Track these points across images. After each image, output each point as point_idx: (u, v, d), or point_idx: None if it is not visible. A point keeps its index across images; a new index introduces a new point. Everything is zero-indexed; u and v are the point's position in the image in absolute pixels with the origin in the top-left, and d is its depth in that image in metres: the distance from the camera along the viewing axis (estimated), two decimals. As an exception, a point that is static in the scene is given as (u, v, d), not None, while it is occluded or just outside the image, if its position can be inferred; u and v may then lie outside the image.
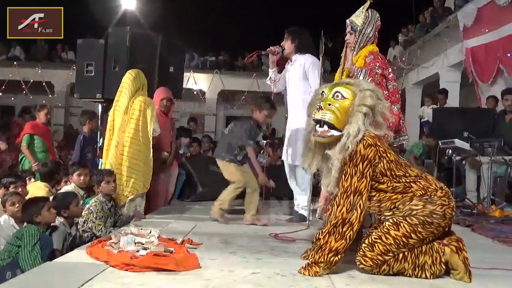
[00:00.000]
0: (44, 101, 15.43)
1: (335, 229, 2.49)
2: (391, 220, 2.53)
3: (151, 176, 4.63)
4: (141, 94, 4.72)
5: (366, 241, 2.53)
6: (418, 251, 2.50)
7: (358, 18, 3.94)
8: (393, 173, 2.57)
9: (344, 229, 2.48)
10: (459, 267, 2.48)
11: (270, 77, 4.95)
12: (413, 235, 2.46)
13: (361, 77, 3.75)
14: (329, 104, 2.59)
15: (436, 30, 11.08)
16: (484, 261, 2.92)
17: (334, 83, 2.80)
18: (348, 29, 3.98)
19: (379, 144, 2.54)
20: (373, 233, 2.54)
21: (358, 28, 3.90)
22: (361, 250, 2.53)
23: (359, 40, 3.91)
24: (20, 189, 4.27)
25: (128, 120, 4.56)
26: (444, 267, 2.51)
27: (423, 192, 2.53)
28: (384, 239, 2.49)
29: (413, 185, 2.56)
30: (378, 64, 3.79)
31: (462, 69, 10.21)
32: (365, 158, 2.50)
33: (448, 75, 10.97)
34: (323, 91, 2.71)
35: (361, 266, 2.52)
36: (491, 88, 8.61)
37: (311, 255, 2.60)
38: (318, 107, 2.61)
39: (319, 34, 4.44)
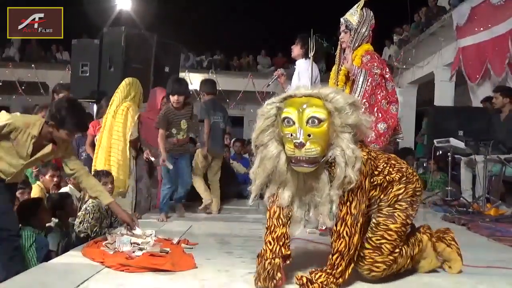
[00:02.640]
0: (39, 102, 15.44)
1: (350, 257, 2.26)
2: (382, 215, 2.39)
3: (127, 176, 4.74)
4: (131, 101, 4.81)
5: (368, 247, 2.36)
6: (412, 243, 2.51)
7: (353, 16, 3.91)
8: (381, 172, 2.40)
9: (354, 253, 2.30)
10: (429, 255, 2.60)
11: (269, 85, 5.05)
12: (408, 220, 2.42)
13: (361, 78, 3.75)
14: (309, 136, 2.12)
15: (431, 30, 11.11)
16: (479, 259, 2.92)
17: (295, 102, 2.21)
18: (343, 27, 3.95)
19: (371, 155, 2.33)
20: (371, 236, 2.38)
21: (353, 27, 3.88)
22: (366, 258, 2.35)
23: (354, 39, 3.89)
24: (26, 196, 4.26)
25: (115, 123, 4.69)
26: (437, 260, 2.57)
27: (401, 175, 2.42)
28: (388, 237, 2.37)
29: (391, 170, 2.41)
30: (375, 64, 3.79)
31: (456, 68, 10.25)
32: (366, 175, 2.26)
33: (443, 74, 10.99)
34: (287, 118, 2.16)
35: (373, 274, 2.35)
36: (479, 88, 8.65)
37: (321, 276, 2.26)
38: (297, 143, 2.11)
39: (314, 34, 4.45)
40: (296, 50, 4.92)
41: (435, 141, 6.35)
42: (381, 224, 2.39)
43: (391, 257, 2.36)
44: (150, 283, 2.34)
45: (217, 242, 3.44)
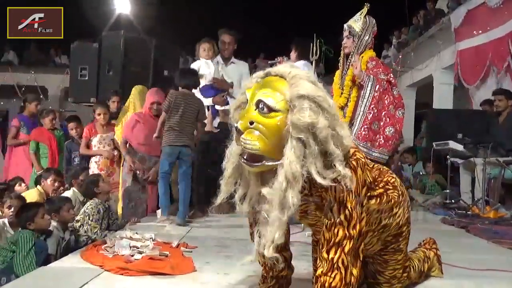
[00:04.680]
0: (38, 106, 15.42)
1: None
2: (388, 252, 2.08)
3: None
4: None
5: (383, 280, 2.12)
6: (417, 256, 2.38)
7: (356, 23, 4.01)
8: (378, 184, 1.97)
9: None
10: (434, 265, 2.50)
11: None
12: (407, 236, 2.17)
13: (369, 84, 3.85)
14: (251, 124, 1.63)
15: (430, 32, 11.13)
16: (479, 262, 2.92)
17: (260, 75, 1.77)
18: (346, 33, 4.05)
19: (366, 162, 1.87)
20: (382, 271, 2.10)
21: (357, 34, 3.99)
22: (383, 285, 2.13)
23: (357, 45, 4.00)
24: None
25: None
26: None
27: (398, 194, 1.99)
28: (398, 266, 2.11)
29: (388, 187, 1.97)
30: (381, 69, 3.94)
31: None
32: (363, 183, 1.81)
33: (442, 77, 11.01)
34: (246, 98, 1.74)
35: None
36: (478, 90, 8.66)
37: None
38: (235, 128, 1.67)
39: (312, 37, 4.50)
40: (291, 54, 4.99)
41: (434, 144, 6.36)
42: (389, 260, 2.09)
43: (405, 274, 2.15)
44: (149, 286, 2.33)
45: (217, 246, 3.43)
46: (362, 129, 3.81)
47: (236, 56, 5.65)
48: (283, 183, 1.59)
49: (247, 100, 1.71)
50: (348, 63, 4.07)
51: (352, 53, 4.03)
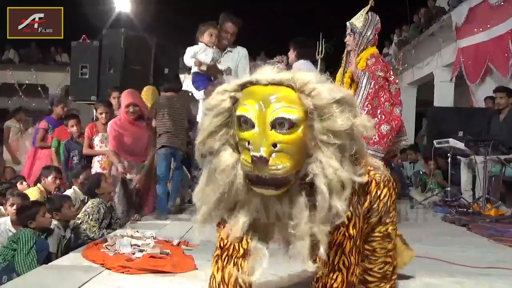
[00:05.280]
0: (34, 105, 15.44)
1: None
2: (376, 237, 1.88)
3: None
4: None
5: (372, 279, 1.92)
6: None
7: (358, 20, 4.02)
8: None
9: None
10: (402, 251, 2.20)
11: None
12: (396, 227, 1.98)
13: (364, 81, 3.85)
14: (275, 146, 1.38)
15: (430, 30, 11.13)
16: (479, 260, 2.92)
17: (256, 92, 1.46)
18: (348, 31, 4.06)
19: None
20: (372, 267, 1.91)
21: (358, 30, 3.99)
22: None
23: (359, 42, 4.01)
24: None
25: None
26: None
27: (380, 174, 1.79)
28: (388, 259, 1.92)
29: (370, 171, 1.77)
30: (379, 66, 3.93)
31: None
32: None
33: (443, 75, 11.02)
34: (244, 117, 1.42)
35: None
36: (479, 88, 8.66)
37: None
38: (255, 158, 1.36)
39: (317, 35, 4.52)
40: (290, 55, 4.98)
41: (435, 141, 6.36)
42: (378, 249, 1.89)
43: (394, 277, 1.97)
44: (150, 284, 2.33)
45: (217, 244, 3.43)
46: None
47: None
48: (326, 195, 1.43)
49: (232, 107, 1.49)
50: (349, 60, 4.09)
51: (352, 50, 4.05)
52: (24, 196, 3.99)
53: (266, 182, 1.42)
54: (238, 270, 1.64)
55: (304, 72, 1.52)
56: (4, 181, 5.46)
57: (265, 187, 1.43)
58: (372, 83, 3.83)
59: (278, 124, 1.39)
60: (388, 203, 1.82)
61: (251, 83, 1.49)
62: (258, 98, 1.43)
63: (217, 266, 1.72)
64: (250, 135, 1.41)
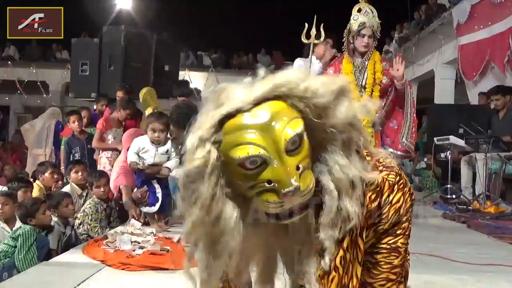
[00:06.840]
0: (39, 101, 15.43)
1: None
2: (383, 250, 1.57)
3: None
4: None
5: None
6: None
7: (375, 22, 3.89)
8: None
9: None
10: None
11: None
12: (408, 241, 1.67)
13: (407, 90, 3.94)
14: (298, 169, 1.21)
15: (431, 27, 11.11)
16: (479, 257, 2.93)
17: (245, 124, 1.19)
18: (369, 32, 3.87)
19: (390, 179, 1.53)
20: (372, 282, 1.58)
21: (377, 34, 3.93)
22: None
23: (373, 45, 3.96)
24: (29, 194, 4.27)
25: None
26: None
27: (394, 174, 1.55)
28: (392, 276, 1.59)
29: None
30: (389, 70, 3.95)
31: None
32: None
33: (443, 72, 11.01)
34: (252, 158, 1.18)
35: None
36: (477, 85, 8.66)
37: None
38: (290, 193, 1.18)
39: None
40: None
41: (435, 139, 6.36)
42: (382, 262, 1.59)
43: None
44: (150, 281, 2.34)
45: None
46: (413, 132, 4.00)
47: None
48: (334, 193, 1.28)
49: (216, 173, 1.23)
50: (365, 61, 3.96)
51: (369, 51, 3.95)
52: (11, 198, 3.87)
53: (294, 212, 1.25)
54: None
55: (283, 74, 1.27)
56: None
57: (296, 214, 1.26)
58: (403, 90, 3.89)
59: (291, 143, 1.20)
60: (401, 211, 1.55)
61: (230, 116, 1.21)
62: (254, 128, 1.19)
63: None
64: (271, 173, 1.19)
